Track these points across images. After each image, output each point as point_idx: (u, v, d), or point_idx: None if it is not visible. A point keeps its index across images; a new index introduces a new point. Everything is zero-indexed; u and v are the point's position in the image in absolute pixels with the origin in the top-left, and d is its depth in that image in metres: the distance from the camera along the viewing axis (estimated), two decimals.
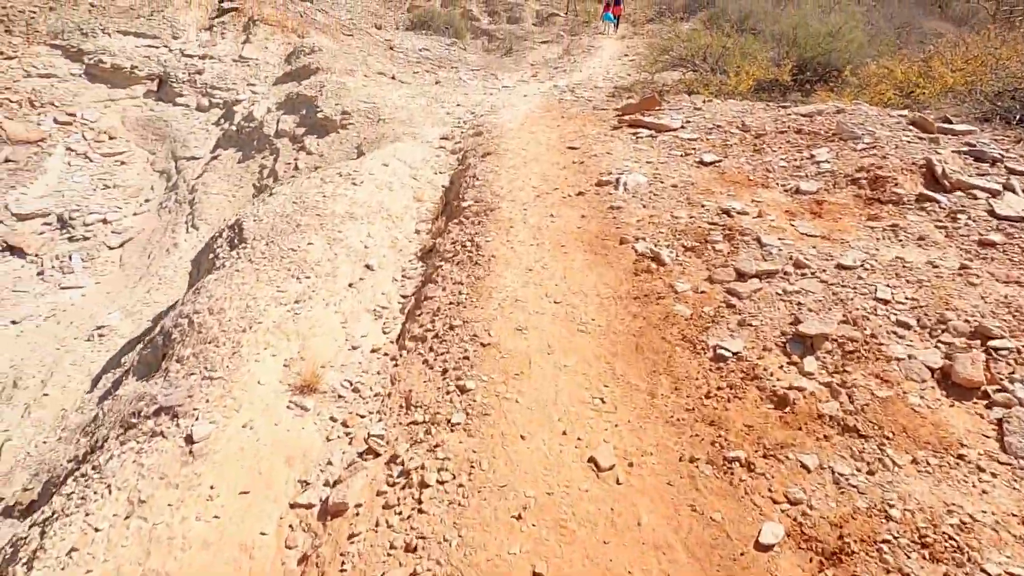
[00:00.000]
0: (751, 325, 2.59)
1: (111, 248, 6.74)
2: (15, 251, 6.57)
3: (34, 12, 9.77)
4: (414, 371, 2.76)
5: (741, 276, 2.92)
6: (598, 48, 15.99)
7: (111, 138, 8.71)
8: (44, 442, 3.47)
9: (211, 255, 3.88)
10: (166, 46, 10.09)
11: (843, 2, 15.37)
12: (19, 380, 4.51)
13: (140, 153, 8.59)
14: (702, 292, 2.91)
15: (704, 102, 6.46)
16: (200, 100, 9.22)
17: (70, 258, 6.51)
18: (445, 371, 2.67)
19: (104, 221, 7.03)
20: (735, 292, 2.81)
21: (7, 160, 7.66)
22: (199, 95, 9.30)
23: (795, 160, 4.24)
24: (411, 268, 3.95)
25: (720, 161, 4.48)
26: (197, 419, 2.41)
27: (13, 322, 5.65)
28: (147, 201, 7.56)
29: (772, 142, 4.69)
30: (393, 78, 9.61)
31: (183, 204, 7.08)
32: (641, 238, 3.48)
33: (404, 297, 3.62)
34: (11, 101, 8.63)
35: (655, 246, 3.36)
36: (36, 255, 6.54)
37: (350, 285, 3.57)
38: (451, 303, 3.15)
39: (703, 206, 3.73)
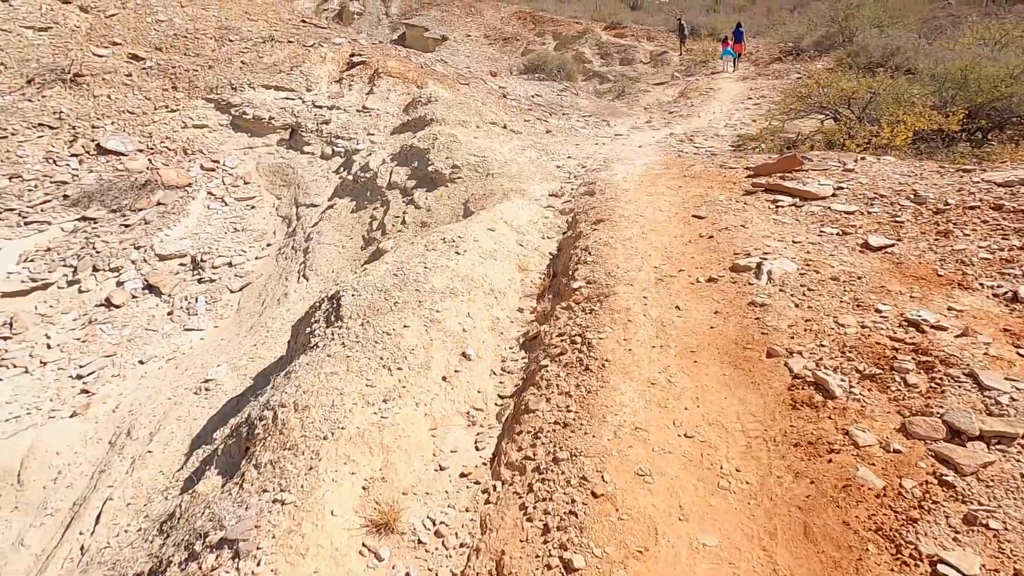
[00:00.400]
0: (988, 527, 1.79)
1: (232, 292, 7.00)
2: (153, 289, 7.00)
3: (196, 70, 10.86)
4: (508, 521, 2.25)
5: (956, 434, 2.11)
6: (717, 90, 15.07)
7: (246, 183, 9.29)
8: (125, 531, 3.38)
9: (308, 329, 3.67)
10: (300, 98, 10.75)
11: (1012, 34, 13.30)
12: (132, 429, 4.60)
13: (268, 198, 9.05)
14: (896, 451, 2.14)
15: (856, 161, 5.50)
16: (324, 148, 9.62)
17: (196, 300, 6.82)
18: (546, 529, 2.12)
19: (229, 264, 7.35)
20: (951, 462, 2.01)
21: (159, 203, 8.34)
22: (324, 144, 9.71)
23: (1001, 250, 3.28)
24: (512, 358, 3.48)
25: (892, 245, 3.61)
26: (259, 563, 2.05)
27: (140, 362, 5.91)
28: (268, 246, 7.85)
29: (961, 221, 3.72)
30: (505, 127, 9.45)
31: (298, 252, 7.22)
32: (796, 351, 2.75)
33: (502, 398, 3.15)
34: (169, 149, 9.51)
35: (817, 367, 2.62)
36: (169, 295, 6.92)
37: (444, 379, 3.16)
38: (556, 422, 2.62)
39: (878, 311, 2.92)
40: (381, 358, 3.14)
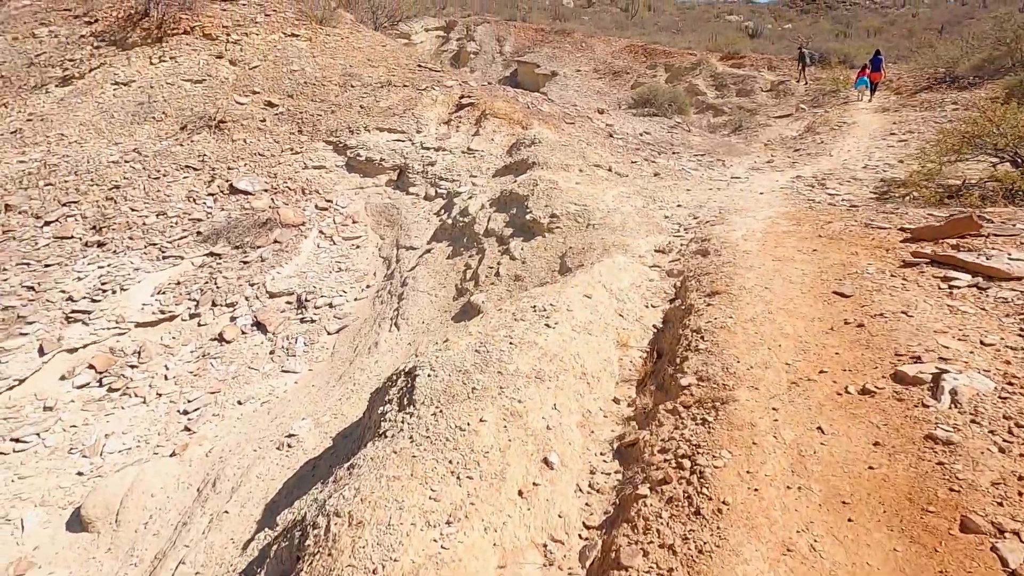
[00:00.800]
0: None
1: (329, 333, 7.04)
2: (260, 327, 7.24)
3: (320, 115, 11.54)
4: None
5: None
6: (851, 124, 13.47)
7: (354, 222, 9.54)
8: None
9: (381, 408, 3.34)
10: (409, 139, 10.99)
11: None
12: (217, 480, 4.57)
13: (373, 237, 9.21)
14: None
15: None
16: (428, 190, 9.67)
17: (296, 340, 6.92)
18: None
19: (330, 305, 7.44)
20: None
21: (275, 241, 8.76)
22: (428, 185, 9.77)
23: None
24: (603, 470, 2.90)
25: None
26: None
27: (239, 402, 6.02)
28: (368, 287, 7.89)
29: None
30: (610, 170, 8.92)
31: (393, 297, 7.14)
32: (1010, 530, 1.93)
33: (587, 528, 2.57)
34: (290, 188, 10.07)
35: None
36: (273, 333, 7.10)
37: (520, 494, 2.66)
38: None
39: None
40: (450, 461, 2.70)
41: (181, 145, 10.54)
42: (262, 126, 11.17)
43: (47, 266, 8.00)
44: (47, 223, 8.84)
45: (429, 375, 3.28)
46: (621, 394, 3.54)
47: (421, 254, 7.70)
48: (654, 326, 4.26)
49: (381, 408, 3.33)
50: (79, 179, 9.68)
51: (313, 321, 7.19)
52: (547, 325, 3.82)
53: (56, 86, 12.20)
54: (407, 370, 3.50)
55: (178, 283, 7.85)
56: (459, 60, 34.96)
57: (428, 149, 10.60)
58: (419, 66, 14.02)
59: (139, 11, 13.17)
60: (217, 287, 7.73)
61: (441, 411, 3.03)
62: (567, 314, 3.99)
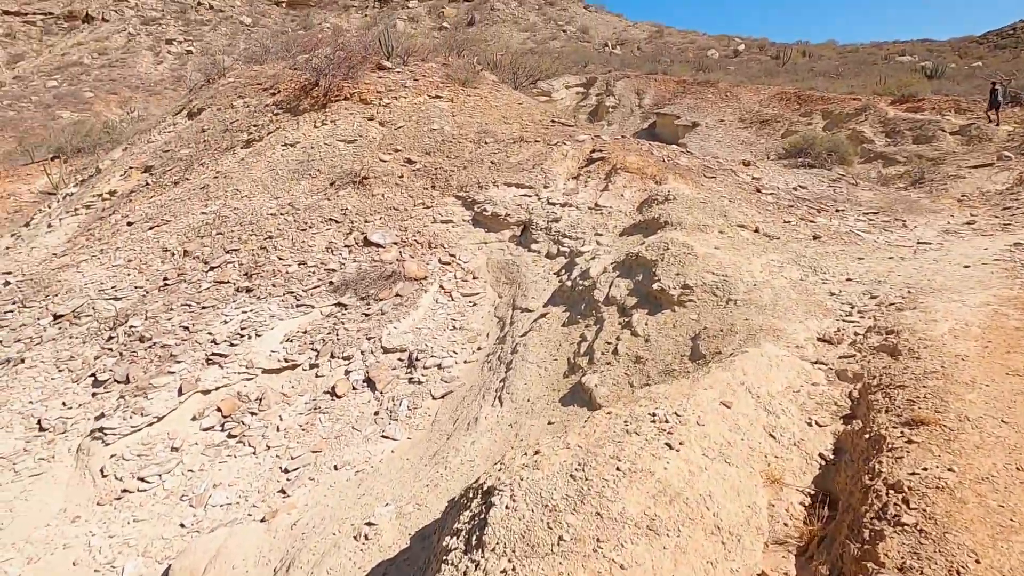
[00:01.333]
0: None
1: (434, 398, 6.64)
2: (370, 383, 7.08)
3: (452, 171, 11.76)
4: None
5: None
6: None
7: (474, 278, 9.30)
8: None
9: (445, 542, 2.67)
10: (536, 195, 10.67)
11: None
12: (291, 565, 4.20)
13: (490, 295, 8.84)
14: None
15: None
16: (550, 247, 9.15)
17: (401, 402, 6.61)
18: None
19: (439, 366, 7.08)
20: None
21: (397, 295, 8.77)
22: (551, 242, 9.26)
23: None
24: None
25: None
26: None
27: (335, 467, 5.76)
28: (479, 349, 7.43)
29: None
30: (756, 231, 7.68)
31: (502, 364, 6.56)
32: None
33: None
34: (417, 242, 10.19)
35: None
36: (381, 392, 6.88)
37: None
38: None
39: None
40: None
41: (328, 199, 11.29)
42: (400, 182, 11.62)
43: (203, 308, 8.74)
44: (211, 268, 9.78)
45: (507, 508, 2.55)
46: (772, 566, 2.48)
47: (536, 318, 7.09)
48: (820, 455, 3.12)
49: (447, 540, 2.65)
50: (243, 229, 10.70)
51: (420, 383, 6.85)
52: (668, 444, 2.91)
53: (240, 148, 13.94)
54: (485, 488, 2.80)
55: (305, 332, 8.08)
56: (597, 115, 35.19)
57: (554, 205, 10.16)
58: (552, 121, 13.91)
59: (311, 82, 14.78)
60: (337, 338, 7.80)
61: (516, 567, 2.26)
62: (697, 429, 3.04)
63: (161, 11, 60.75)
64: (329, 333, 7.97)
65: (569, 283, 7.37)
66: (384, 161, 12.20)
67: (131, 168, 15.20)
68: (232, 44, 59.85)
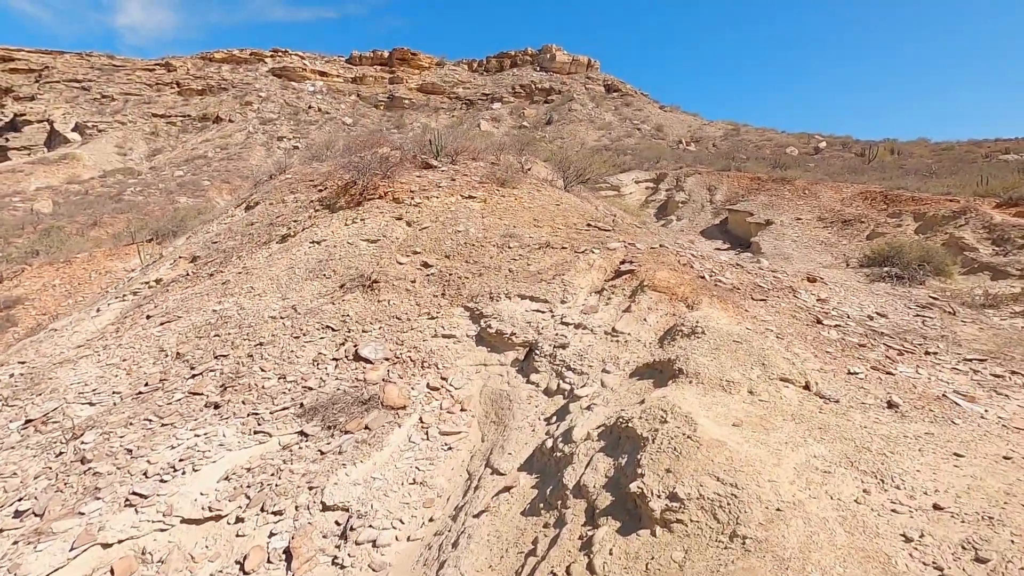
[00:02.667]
0: None
1: None
2: (288, 557, 5.56)
3: (467, 278, 10.64)
4: None
5: None
6: None
7: (462, 410, 7.78)
8: None
9: None
10: (551, 310, 9.21)
11: None
12: None
13: (474, 436, 7.25)
14: None
15: None
16: (551, 381, 7.52)
17: None
18: None
19: (373, 544, 5.47)
20: None
21: (366, 427, 7.40)
22: (553, 373, 7.64)
23: None
24: None
25: None
26: None
27: None
28: (430, 521, 5.77)
29: None
30: (806, 387, 5.68)
31: (444, 552, 4.86)
32: None
33: None
34: (411, 359, 8.93)
35: None
36: (294, 574, 5.33)
37: None
38: None
39: None
40: None
41: (333, 303, 10.45)
42: (411, 287, 10.63)
43: (164, 424, 7.80)
44: (193, 375, 8.99)
45: None
46: None
47: (499, 491, 5.39)
48: None
49: None
50: (240, 332, 9.99)
51: (342, 567, 5.25)
52: None
53: (276, 243, 13.77)
54: None
55: (249, 469, 6.81)
56: (667, 210, 34.13)
57: (567, 325, 8.62)
58: (588, 225, 12.66)
59: (351, 181, 14.69)
60: (278, 484, 6.44)
61: None
62: None
63: (277, 113, 68.51)
64: (272, 475, 6.65)
65: (550, 443, 5.66)
66: (400, 264, 11.36)
67: (180, 258, 15.52)
68: (332, 141, 66.06)
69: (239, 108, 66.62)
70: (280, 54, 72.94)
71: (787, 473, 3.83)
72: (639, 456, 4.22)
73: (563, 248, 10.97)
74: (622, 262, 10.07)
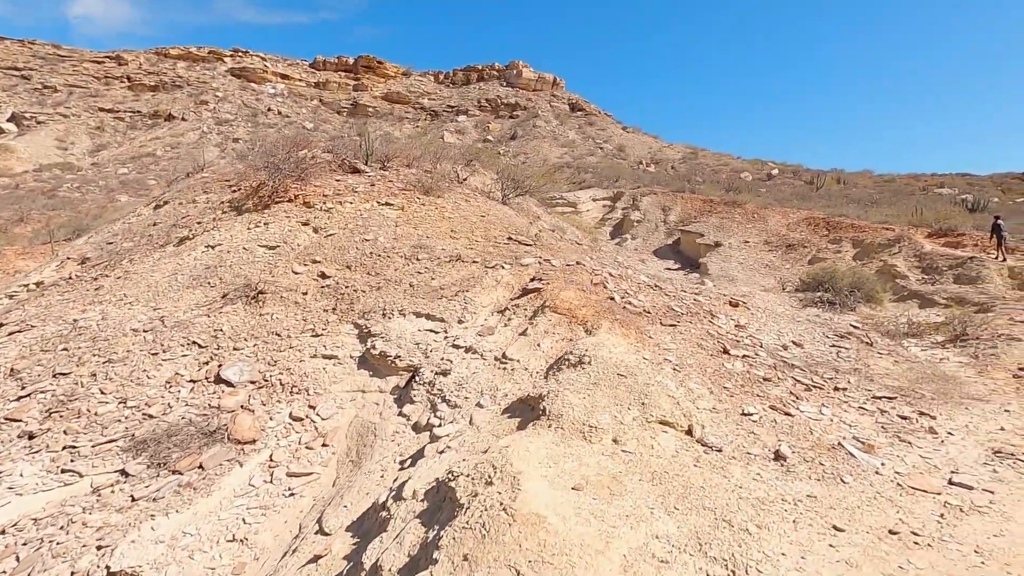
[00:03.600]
0: None
1: None
2: None
3: (364, 291, 9.56)
4: None
5: None
6: None
7: (324, 445, 6.68)
8: None
9: None
10: (445, 331, 8.23)
11: None
12: None
13: (326, 479, 6.15)
14: None
15: None
16: (423, 414, 6.51)
17: None
18: None
19: None
20: None
21: (200, 467, 6.21)
22: (427, 405, 6.63)
23: None
24: None
25: None
26: None
27: None
28: None
29: None
30: (688, 432, 4.85)
31: None
32: None
33: None
34: (280, 383, 7.78)
35: None
36: None
37: None
38: None
39: None
40: None
41: (208, 316, 9.20)
42: (301, 300, 9.48)
43: None
44: (20, 397, 7.60)
45: None
46: None
47: (306, 561, 4.32)
48: None
49: None
50: (93, 346, 8.63)
51: None
52: None
53: (173, 246, 12.39)
54: None
55: (37, 520, 5.54)
56: (622, 228, 33.98)
57: (458, 348, 7.65)
58: (509, 238, 11.79)
59: (264, 181, 13.46)
60: (60, 542, 5.20)
61: None
62: None
63: (235, 114, 66.01)
64: (62, 528, 5.39)
65: (384, 497, 4.63)
66: (296, 273, 10.20)
67: (68, 259, 13.91)
68: (263, 139, 63.89)
69: (194, 107, 63.91)
70: (240, 54, 70.64)
71: (612, 564, 2.92)
72: (442, 533, 3.24)
73: (474, 262, 10.04)
74: (532, 279, 9.19)
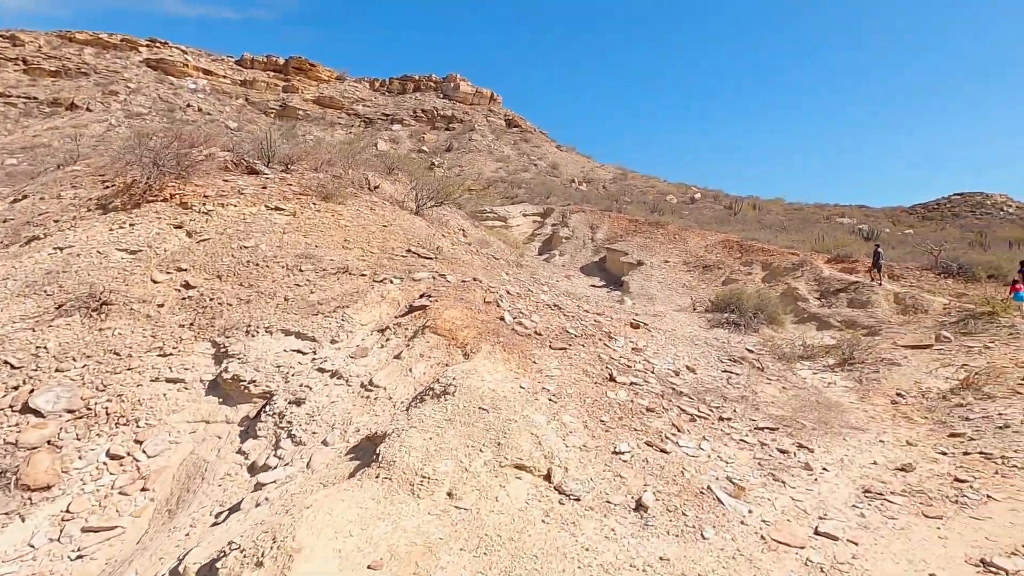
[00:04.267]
0: None
1: None
2: None
3: (231, 304, 8.43)
4: None
5: None
6: None
7: (143, 490, 5.54)
8: None
9: None
10: (314, 351, 7.29)
11: None
12: None
13: (132, 534, 5.04)
14: None
15: None
16: (261, 453, 5.55)
17: None
18: None
19: None
20: None
21: None
22: (271, 441, 5.68)
23: None
24: None
25: None
26: None
27: None
28: None
29: None
30: (547, 477, 4.24)
31: None
32: None
33: None
34: (107, 412, 6.52)
35: None
36: None
37: None
38: None
39: None
40: None
41: (32, 331, 7.74)
42: (154, 312, 8.21)
43: None
44: None
45: None
46: None
47: None
48: None
49: None
50: None
51: None
52: None
53: (19, 246, 10.63)
54: None
55: None
56: (551, 244, 33.99)
57: (323, 372, 6.73)
58: (409, 251, 10.98)
59: (138, 178, 11.93)
60: None
61: None
62: None
63: (148, 108, 61.14)
64: None
65: (165, 570, 3.67)
66: (155, 282, 8.89)
67: None
68: (152, 132, 59.84)
69: (101, 97, 58.60)
70: (158, 45, 65.80)
71: None
72: None
73: (362, 275, 9.16)
74: (422, 295, 8.43)
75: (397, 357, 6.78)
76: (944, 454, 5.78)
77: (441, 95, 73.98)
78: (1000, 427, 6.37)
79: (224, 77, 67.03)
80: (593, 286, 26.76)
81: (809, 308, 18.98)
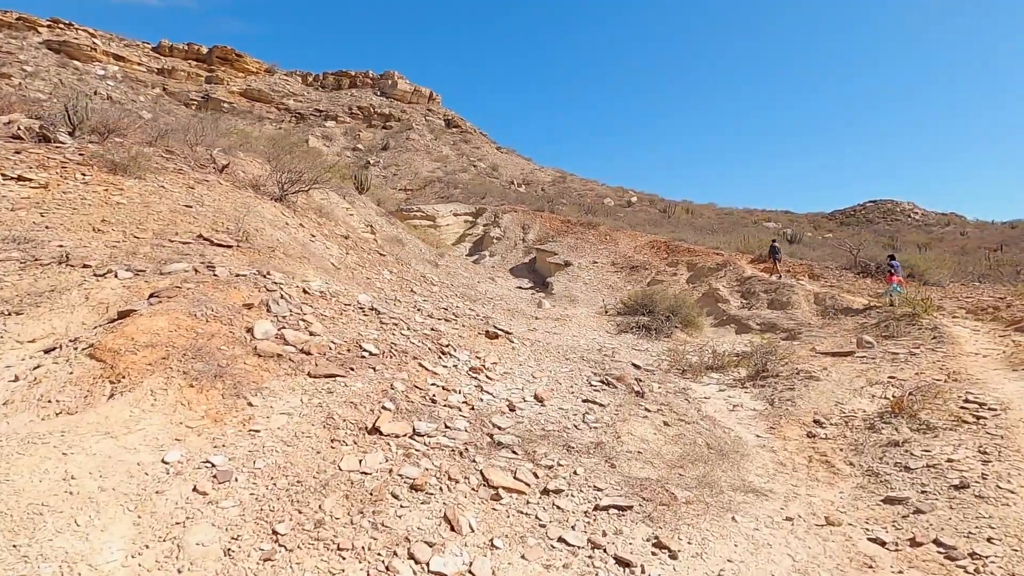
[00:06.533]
0: None
1: None
2: None
3: None
4: None
5: None
6: (1004, 408, 5.59)
7: None
8: None
9: None
10: None
11: None
12: None
13: None
14: None
15: None
16: None
17: None
18: None
19: None
20: None
21: None
22: None
23: None
24: None
25: None
26: None
27: None
28: None
29: None
30: None
31: None
32: None
33: None
34: None
35: None
36: None
37: None
38: None
39: None
40: None
41: None
42: None
43: None
44: None
45: None
46: None
47: None
48: None
49: None
50: None
51: None
52: None
53: None
54: None
55: None
56: (482, 245, 31.56)
57: None
58: (200, 236, 7.99)
59: None
60: None
61: None
62: None
63: (48, 94, 54.32)
64: None
65: None
66: None
67: None
68: None
69: None
70: (62, 26, 58.86)
71: None
72: None
73: (84, 266, 6.14)
74: (151, 295, 5.51)
75: (23, 400, 3.86)
76: (883, 546, 3.45)
77: (378, 92, 70.22)
78: (956, 487, 4.14)
79: (139, 64, 60.76)
80: (520, 287, 24.46)
81: (729, 310, 17.16)
